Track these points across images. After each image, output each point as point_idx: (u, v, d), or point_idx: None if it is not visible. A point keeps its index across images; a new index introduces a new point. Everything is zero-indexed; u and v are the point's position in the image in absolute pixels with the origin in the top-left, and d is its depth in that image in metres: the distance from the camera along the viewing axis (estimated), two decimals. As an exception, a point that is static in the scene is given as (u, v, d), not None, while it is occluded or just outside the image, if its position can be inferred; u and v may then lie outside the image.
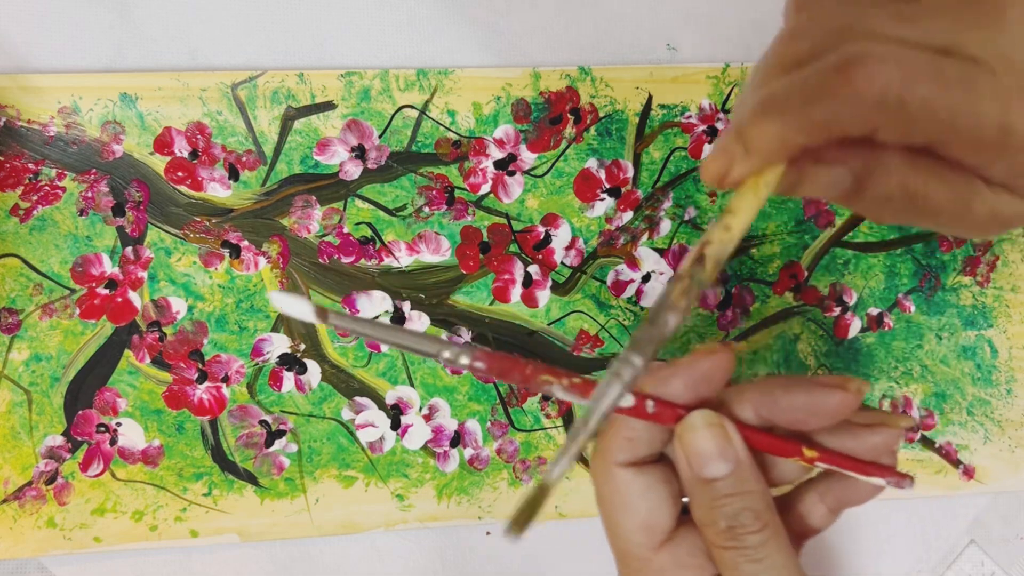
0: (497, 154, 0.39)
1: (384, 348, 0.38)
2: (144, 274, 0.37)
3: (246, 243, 0.38)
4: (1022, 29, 0.21)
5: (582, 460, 0.39)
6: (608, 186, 0.40)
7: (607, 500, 0.27)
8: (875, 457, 0.26)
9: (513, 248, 0.39)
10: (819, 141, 0.22)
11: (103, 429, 0.37)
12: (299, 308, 0.23)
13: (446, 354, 0.24)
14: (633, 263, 0.40)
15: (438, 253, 0.39)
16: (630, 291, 0.40)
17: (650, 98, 0.40)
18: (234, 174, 0.38)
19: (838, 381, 0.26)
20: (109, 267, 0.37)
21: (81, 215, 0.37)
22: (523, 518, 0.23)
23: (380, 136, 0.39)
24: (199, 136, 0.37)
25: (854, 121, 0.22)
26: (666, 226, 0.40)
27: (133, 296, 0.37)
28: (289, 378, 0.38)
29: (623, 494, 0.26)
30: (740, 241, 0.24)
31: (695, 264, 0.23)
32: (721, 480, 0.25)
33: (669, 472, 0.27)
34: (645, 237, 0.40)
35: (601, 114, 0.40)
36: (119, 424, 0.37)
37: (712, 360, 0.26)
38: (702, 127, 0.41)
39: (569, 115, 0.40)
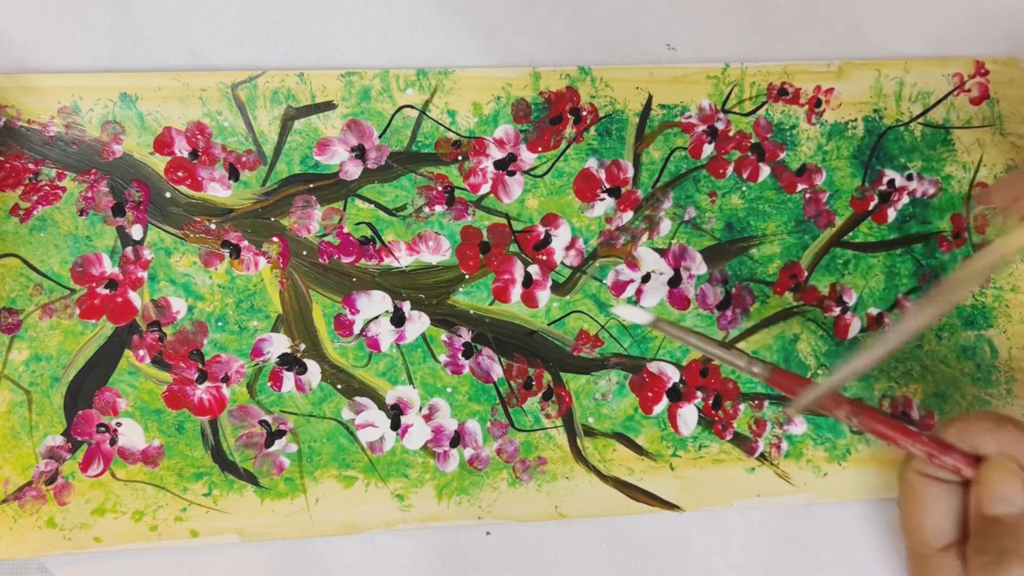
0: (497, 154, 0.39)
1: (384, 347, 0.38)
2: (144, 274, 0.37)
3: (246, 243, 0.38)
4: None
5: (586, 463, 0.39)
6: (608, 186, 0.40)
7: (906, 498, 0.31)
8: None
9: (513, 248, 0.39)
10: None
11: (103, 429, 0.37)
12: (638, 315, 0.32)
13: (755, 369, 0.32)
14: (633, 263, 0.40)
15: (438, 253, 0.39)
16: (630, 291, 0.40)
17: (650, 98, 0.40)
18: (234, 174, 0.38)
19: None
20: (109, 267, 0.37)
21: (81, 215, 0.37)
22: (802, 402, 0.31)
23: (380, 136, 0.39)
24: (199, 136, 0.37)
25: None
26: (666, 226, 0.40)
27: (133, 296, 0.37)
28: (289, 378, 0.38)
29: (920, 497, 0.30)
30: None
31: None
32: (1001, 519, 0.28)
33: (962, 494, 0.30)
34: (645, 237, 0.40)
35: (601, 114, 0.40)
36: (119, 424, 0.37)
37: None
38: (702, 127, 0.41)
39: (569, 115, 0.40)
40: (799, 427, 0.41)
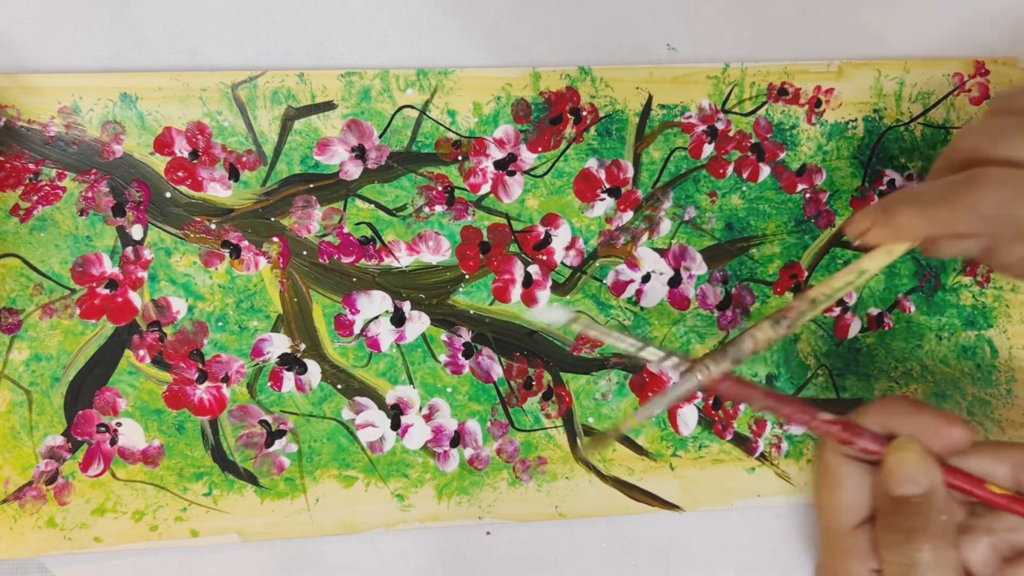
0: (497, 154, 0.39)
1: (384, 347, 0.38)
2: (144, 274, 0.37)
3: (246, 243, 0.38)
4: None
5: (587, 465, 0.39)
6: (608, 186, 0.40)
7: (822, 476, 0.31)
8: None
9: (513, 248, 0.39)
10: (940, 235, 0.29)
11: (103, 429, 0.37)
12: (556, 315, 0.31)
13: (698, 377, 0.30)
14: (633, 263, 0.40)
15: (438, 253, 0.39)
16: (630, 291, 0.40)
17: (650, 98, 0.40)
18: (234, 174, 0.38)
19: None
20: (109, 267, 0.37)
21: (81, 215, 0.37)
22: (594, 446, 0.32)
23: (380, 136, 0.39)
24: (199, 136, 0.37)
25: (970, 227, 0.27)
26: (666, 226, 0.40)
27: (133, 296, 0.37)
28: (289, 378, 0.38)
29: (834, 474, 0.30)
30: (856, 288, 0.32)
31: (800, 298, 0.30)
32: (907, 499, 0.28)
33: (876, 474, 0.30)
34: (645, 237, 0.40)
35: (601, 114, 0.40)
36: (119, 424, 0.37)
37: (953, 431, 0.30)
38: (702, 127, 0.41)
39: (569, 115, 0.40)
40: (799, 427, 0.41)
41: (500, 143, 0.39)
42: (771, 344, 0.30)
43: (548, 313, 0.30)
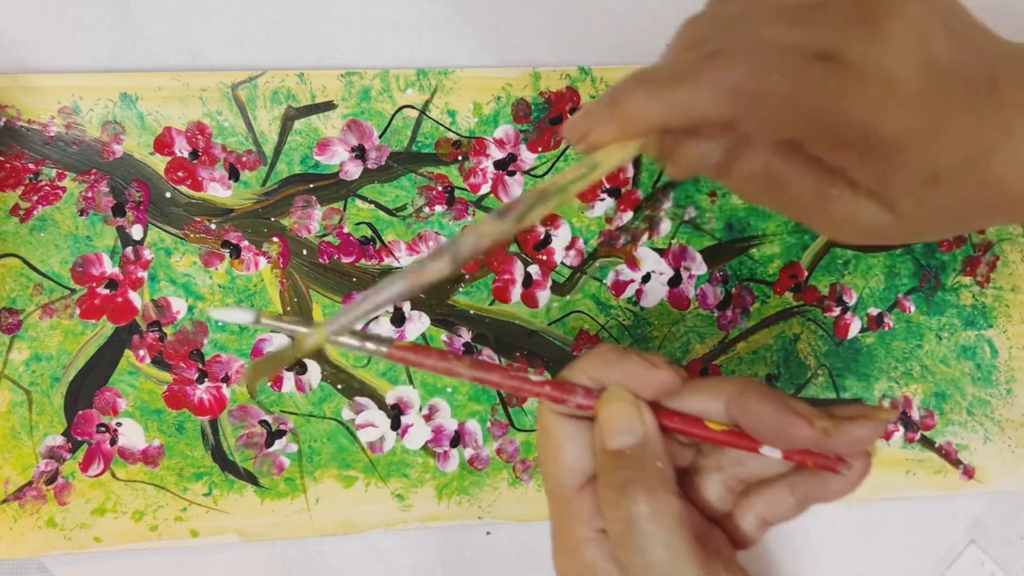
0: (497, 154, 0.39)
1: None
2: (144, 274, 0.37)
3: (246, 243, 0.38)
4: (901, 43, 0.22)
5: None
6: (608, 186, 0.40)
7: (541, 441, 0.29)
8: (853, 450, 0.27)
9: (513, 248, 0.39)
10: (680, 122, 0.23)
11: (103, 429, 0.37)
12: (238, 315, 0.25)
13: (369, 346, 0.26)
14: (633, 263, 0.40)
15: (438, 253, 0.39)
16: (630, 291, 0.40)
17: (650, 98, 0.40)
18: (234, 174, 0.38)
19: (807, 413, 0.26)
20: (109, 267, 0.37)
21: (81, 215, 0.37)
22: (259, 371, 0.25)
23: (380, 136, 0.39)
24: (199, 136, 0.37)
25: (712, 107, 0.23)
26: (666, 226, 0.40)
27: (133, 296, 0.37)
28: (289, 378, 0.38)
29: (553, 437, 0.28)
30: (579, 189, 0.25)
31: (529, 192, 0.24)
32: (622, 452, 0.27)
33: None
34: (645, 237, 0.40)
35: (601, 114, 0.40)
36: (119, 424, 0.37)
37: (659, 375, 0.27)
38: (702, 127, 0.41)
39: (569, 115, 0.40)
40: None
41: (500, 143, 0.39)
42: (496, 241, 0.24)
43: (230, 315, 0.26)
